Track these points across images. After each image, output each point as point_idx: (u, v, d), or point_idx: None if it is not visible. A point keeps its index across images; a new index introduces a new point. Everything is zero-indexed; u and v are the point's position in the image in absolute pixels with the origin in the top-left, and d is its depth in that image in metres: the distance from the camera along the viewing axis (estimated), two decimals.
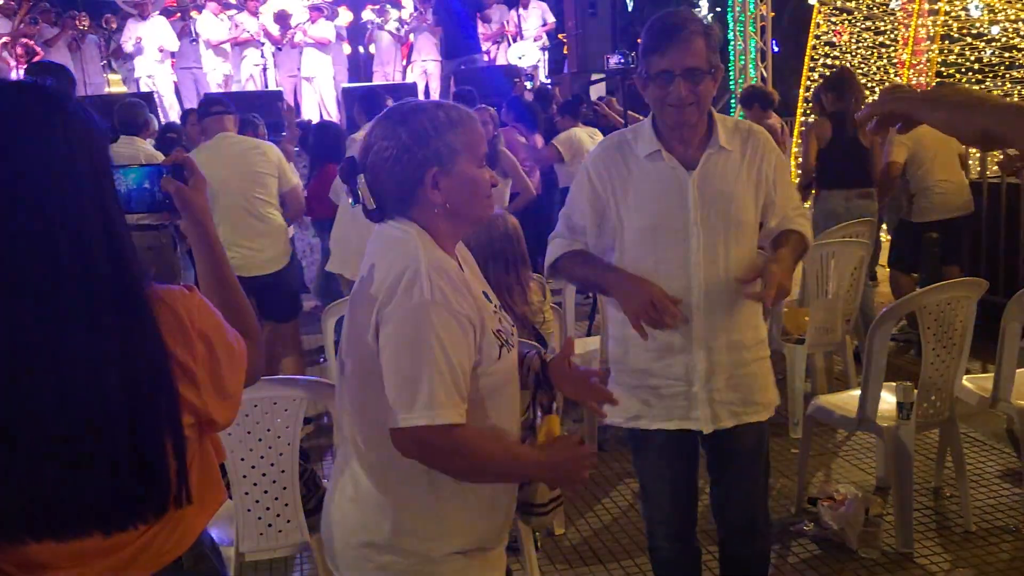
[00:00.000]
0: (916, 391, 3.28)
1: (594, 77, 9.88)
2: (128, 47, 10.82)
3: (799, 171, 5.73)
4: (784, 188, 2.35)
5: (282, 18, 11.83)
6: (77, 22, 11.06)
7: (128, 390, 1.20)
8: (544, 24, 11.39)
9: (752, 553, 2.54)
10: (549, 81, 10.65)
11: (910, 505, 3.35)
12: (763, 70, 11.00)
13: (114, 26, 11.85)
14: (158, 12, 11.08)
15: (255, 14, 11.44)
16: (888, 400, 3.36)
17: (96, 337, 1.18)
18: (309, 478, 2.88)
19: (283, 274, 4.79)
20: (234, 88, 11.01)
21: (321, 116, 10.40)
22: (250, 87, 11.20)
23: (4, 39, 10.16)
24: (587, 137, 6.70)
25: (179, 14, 11.58)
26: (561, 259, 2.38)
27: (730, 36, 11.35)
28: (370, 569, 1.67)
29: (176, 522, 1.35)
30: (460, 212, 1.66)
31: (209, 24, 11.00)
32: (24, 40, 10.46)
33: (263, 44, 11.35)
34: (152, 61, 10.77)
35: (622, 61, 7.46)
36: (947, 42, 9.72)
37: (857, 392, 3.44)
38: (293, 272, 4.98)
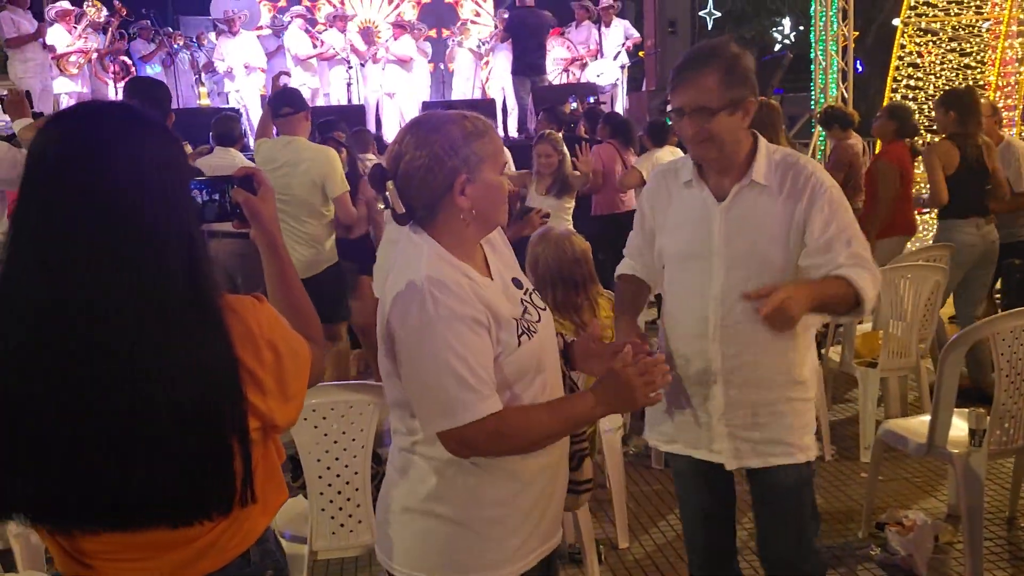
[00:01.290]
0: (988, 418, 3.23)
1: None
2: (220, 66, 11.27)
3: (926, 198, 5.37)
4: (836, 232, 2.17)
5: (367, 34, 12.21)
6: (173, 40, 11.58)
7: (200, 394, 1.27)
8: (626, 40, 11.44)
9: None
10: (602, 100, 10.64)
11: (980, 533, 3.28)
12: (844, 90, 10.85)
13: (204, 42, 12.36)
14: (248, 29, 11.53)
15: (343, 31, 11.82)
16: (960, 427, 3.32)
17: (172, 344, 1.26)
18: (381, 480, 2.99)
19: (316, 280, 4.74)
20: (320, 103, 11.38)
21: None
22: (335, 102, 11.57)
23: (98, 53, 10.66)
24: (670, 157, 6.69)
25: (271, 30, 12.04)
26: (621, 277, 2.53)
27: (812, 55, 11.23)
28: (408, 534, 1.80)
29: (241, 520, 1.42)
30: (484, 217, 1.77)
31: (296, 39, 11.40)
32: (120, 57, 10.99)
33: (349, 60, 11.70)
34: (240, 76, 11.20)
35: None
36: None
37: (928, 418, 3.40)
38: (330, 278, 4.96)
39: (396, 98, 11.53)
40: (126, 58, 11.11)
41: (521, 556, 1.81)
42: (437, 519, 1.77)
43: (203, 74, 11.99)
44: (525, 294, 1.86)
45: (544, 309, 1.89)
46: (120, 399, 1.24)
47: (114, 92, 10.65)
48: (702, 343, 2.25)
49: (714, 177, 2.26)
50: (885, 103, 10.26)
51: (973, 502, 3.25)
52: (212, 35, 12.03)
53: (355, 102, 11.64)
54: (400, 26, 11.78)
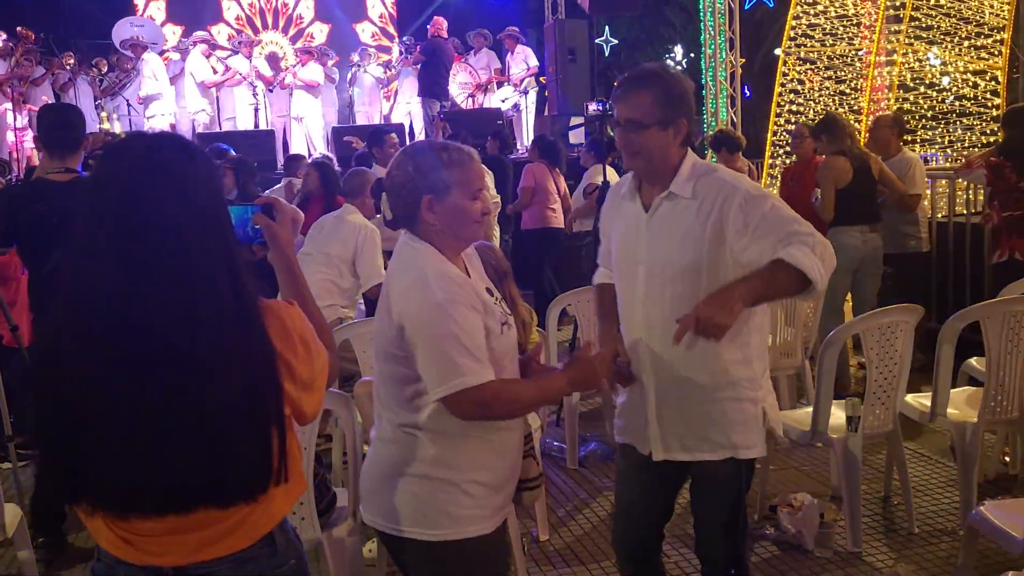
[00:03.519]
0: (862, 406, 3.67)
1: (573, 122, 10.35)
2: (149, 85, 11.11)
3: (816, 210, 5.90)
4: (759, 221, 2.25)
5: (273, 60, 12.29)
6: (63, 61, 11.37)
7: (247, 386, 1.46)
8: (528, 68, 11.91)
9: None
10: (506, 123, 11.17)
11: (859, 509, 3.72)
12: (733, 115, 11.54)
13: (104, 68, 12.21)
14: (152, 52, 11.46)
15: (248, 57, 11.89)
16: (838, 415, 3.74)
17: (220, 340, 1.45)
18: (320, 482, 3.21)
19: None
20: (225, 128, 11.41)
21: (310, 154, 10.79)
22: (241, 127, 11.61)
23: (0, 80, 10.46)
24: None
25: (177, 54, 12.00)
26: (599, 287, 2.73)
27: (702, 81, 11.91)
28: (400, 496, 2.08)
29: (268, 501, 1.57)
30: (453, 232, 2.11)
31: (199, 64, 11.39)
32: (21, 80, 10.79)
33: (255, 85, 11.77)
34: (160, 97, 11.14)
35: (600, 108, 7.90)
36: (903, 91, 10.32)
37: (811, 409, 3.82)
38: None
39: (304, 123, 11.66)
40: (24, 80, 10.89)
41: (496, 513, 2.16)
42: (433, 481, 2.07)
43: (103, 100, 11.85)
44: (496, 302, 2.19)
45: (510, 315, 2.22)
46: (182, 394, 1.43)
47: (12, 118, 10.45)
48: (635, 343, 2.44)
49: (647, 190, 2.43)
50: (770, 127, 11.00)
51: (851, 481, 3.67)
52: (116, 59, 11.92)
53: (262, 127, 11.71)
54: (307, 52, 11.94)
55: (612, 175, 7.11)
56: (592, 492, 4.47)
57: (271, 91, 11.90)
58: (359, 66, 12.55)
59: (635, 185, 2.47)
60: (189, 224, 1.46)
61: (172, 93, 11.37)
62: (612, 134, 2.61)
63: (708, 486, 2.50)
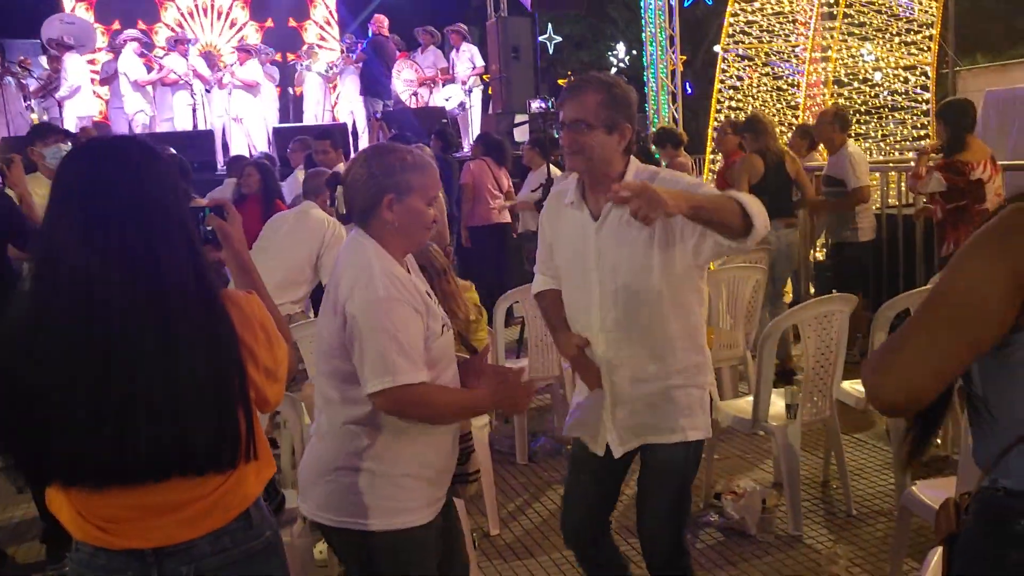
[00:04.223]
0: (800, 394, 3.80)
1: (517, 119, 10.42)
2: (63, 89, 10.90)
3: None
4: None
5: (210, 59, 12.13)
6: None
7: (213, 367, 1.57)
8: (474, 67, 11.94)
9: (660, 564, 2.69)
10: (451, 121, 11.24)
11: (799, 494, 3.85)
12: (675, 111, 11.73)
13: (29, 65, 11.91)
14: (74, 53, 11.20)
15: (184, 55, 11.71)
16: (779, 404, 3.87)
17: (186, 324, 1.55)
18: (269, 483, 3.22)
19: None
20: (163, 128, 11.24)
21: (251, 154, 10.68)
22: (179, 127, 11.44)
23: None
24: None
25: (111, 53, 11.76)
26: (539, 295, 2.80)
27: (645, 79, 12.08)
28: (336, 488, 2.15)
29: (240, 481, 1.68)
30: (406, 232, 2.20)
31: (132, 64, 11.17)
32: None
33: (192, 85, 11.60)
34: (76, 100, 10.88)
35: (543, 106, 7.98)
36: (837, 86, 10.61)
37: (752, 398, 3.94)
38: None
39: (244, 123, 11.54)
40: None
41: (429, 506, 2.24)
42: (368, 474, 2.15)
43: (34, 100, 11.56)
44: (435, 303, 2.27)
45: (447, 319, 2.31)
46: (150, 376, 1.52)
47: None
48: (591, 347, 2.54)
49: (593, 197, 2.52)
50: (711, 123, 11.21)
51: (791, 467, 3.80)
52: (44, 59, 11.64)
53: (201, 127, 11.56)
54: (245, 50, 11.79)
55: (556, 173, 7.23)
56: (541, 487, 4.54)
57: (209, 91, 11.74)
58: (303, 66, 12.46)
59: (580, 193, 2.55)
60: (151, 216, 1.56)
61: (90, 93, 11.08)
62: (557, 135, 2.67)
63: (658, 469, 2.60)
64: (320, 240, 4.84)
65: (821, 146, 6.72)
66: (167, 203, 1.59)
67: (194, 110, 11.58)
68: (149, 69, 11.43)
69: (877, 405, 1.47)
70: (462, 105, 12.00)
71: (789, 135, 7.75)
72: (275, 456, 3.79)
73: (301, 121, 12.34)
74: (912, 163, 5.75)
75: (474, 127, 11.93)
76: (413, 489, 2.19)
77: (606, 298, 2.49)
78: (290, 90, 12.82)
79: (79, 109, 10.82)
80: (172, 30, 13.28)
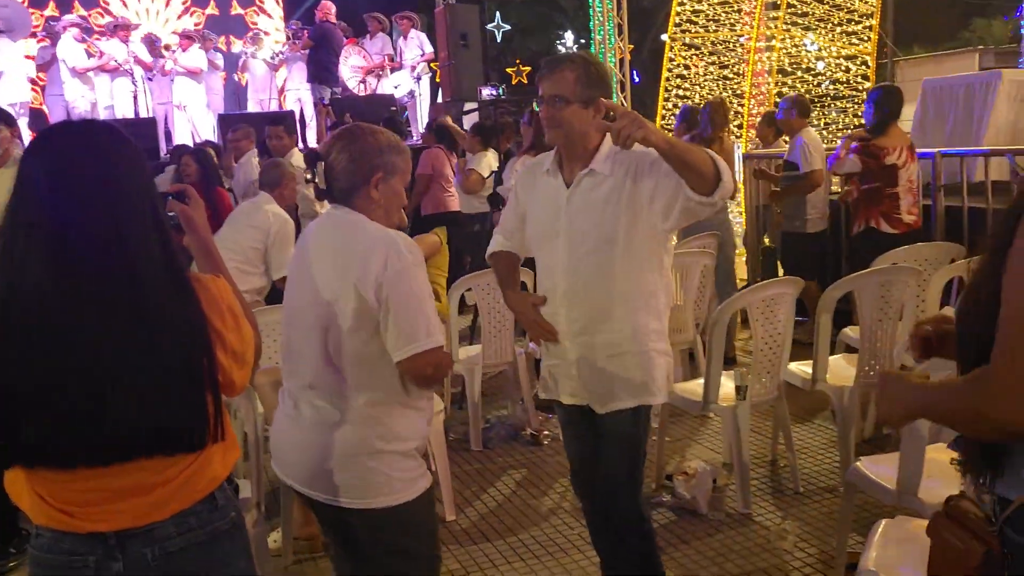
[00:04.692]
0: (750, 376, 3.89)
1: (467, 107, 10.41)
2: None
3: None
4: (669, 168, 2.42)
5: (151, 44, 11.86)
6: None
7: (181, 348, 1.58)
8: (423, 54, 11.88)
9: (615, 523, 2.79)
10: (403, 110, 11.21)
11: (748, 473, 3.94)
12: (623, 100, 11.81)
13: None
14: (11, 38, 10.87)
15: (125, 41, 11.44)
16: (728, 385, 3.96)
17: (157, 310, 1.56)
18: None
19: None
20: (103, 115, 10.98)
21: (194, 142, 10.51)
22: (120, 115, 11.19)
23: None
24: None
25: (47, 39, 11.44)
26: (493, 255, 2.93)
27: None
28: (362, 471, 2.19)
29: (206, 463, 1.68)
30: (386, 211, 2.28)
31: (71, 50, 10.89)
32: None
33: (133, 72, 11.35)
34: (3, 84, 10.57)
35: (494, 93, 7.97)
36: (782, 75, 10.80)
37: (703, 380, 4.02)
38: None
39: (187, 110, 11.33)
40: None
41: (426, 471, 2.34)
42: (389, 454, 2.21)
43: None
44: None
45: None
46: (121, 356, 1.53)
47: None
48: (555, 308, 2.67)
49: (568, 167, 2.64)
50: (659, 111, 11.32)
51: (741, 447, 3.89)
52: None
53: (143, 115, 11.33)
54: (188, 37, 11.56)
55: (492, 161, 7.24)
56: (496, 472, 4.58)
57: (151, 78, 11.50)
58: (248, 53, 12.26)
59: (557, 163, 2.68)
60: (119, 198, 1.57)
61: (22, 79, 10.75)
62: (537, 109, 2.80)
63: (616, 434, 2.69)
64: (265, 233, 4.77)
65: None
66: (136, 186, 1.60)
67: (135, 97, 11.34)
68: (89, 55, 11.15)
69: (1005, 429, 1.37)
70: (411, 93, 11.94)
71: (736, 123, 7.88)
72: None
73: (246, 109, 12.15)
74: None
75: (423, 115, 11.88)
76: (417, 458, 2.29)
77: (573, 263, 2.60)
78: (235, 77, 12.61)
79: (8, 95, 10.51)
80: (112, 15, 12.96)
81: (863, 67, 10.80)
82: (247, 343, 1.73)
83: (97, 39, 11.69)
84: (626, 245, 2.55)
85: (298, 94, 12.15)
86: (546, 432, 4.95)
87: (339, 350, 2.16)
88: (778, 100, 10.62)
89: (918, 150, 5.60)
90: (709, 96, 10.88)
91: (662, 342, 2.68)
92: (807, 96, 10.40)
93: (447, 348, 3.92)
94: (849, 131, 10.19)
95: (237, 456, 1.79)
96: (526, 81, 14.71)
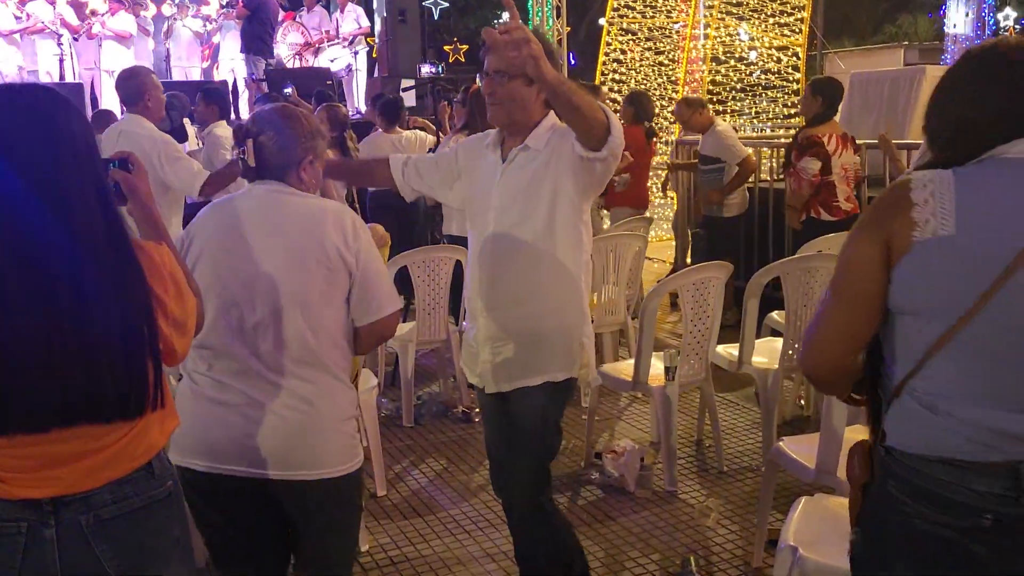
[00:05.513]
0: (679, 357, 3.96)
1: (404, 84, 10.28)
2: None
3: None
4: None
5: (78, 6, 11.42)
6: None
7: (124, 314, 1.56)
8: (360, 27, 11.68)
9: (515, 514, 2.76)
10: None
11: (674, 452, 4.03)
12: None
13: None
14: None
15: (52, 3, 11.00)
16: (658, 366, 4.02)
17: (98, 275, 1.54)
18: None
19: None
20: (29, 80, 10.55)
21: (122, 110, 10.16)
22: (45, 78, 10.77)
23: None
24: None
25: None
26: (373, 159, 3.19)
27: None
28: (348, 435, 2.27)
29: (144, 431, 1.66)
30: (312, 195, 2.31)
31: None
32: None
33: (60, 34, 10.93)
34: None
35: (433, 70, 7.88)
36: (715, 63, 10.96)
37: (633, 361, 4.08)
38: None
39: (115, 76, 10.95)
40: None
41: None
42: (351, 421, 2.29)
43: None
44: None
45: None
46: (62, 323, 1.52)
47: None
48: (474, 276, 2.66)
49: (508, 143, 2.59)
50: None
51: (668, 426, 3.97)
52: None
53: (69, 79, 10.91)
54: (118, 1, 11.17)
55: (414, 138, 7.10)
56: (428, 448, 4.58)
57: (77, 40, 11.08)
58: (175, 18, 11.88)
59: (499, 139, 2.64)
60: (59, 162, 1.54)
61: None
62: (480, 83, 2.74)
63: (522, 411, 2.63)
64: (155, 157, 4.36)
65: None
66: (76, 147, 1.57)
67: (61, 61, 10.93)
68: (17, 19, 10.69)
69: (810, 379, 1.65)
70: (348, 68, 11.75)
71: (671, 108, 7.97)
72: None
73: (171, 77, 11.79)
74: (782, 140, 6.02)
75: (359, 91, 11.71)
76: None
77: (493, 239, 2.59)
78: (163, 43, 12.23)
79: None
80: None
81: (794, 58, 11.01)
82: (189, 312, 1.71)
83: (24, 0, 11.22)
84: (547, 221, 2.52)
85: (232, 64, 11.85)
86: (477, 410, 4.97)
87: (313, 322, 2.16)
88: (710, 88, 10.81)
89: None
90: (644, 82, 10.98)
91: (581, 321, 2.63)
92: (739, 84, 10.58)
93: None
94: (778, 120, 10.43)
95: (176, 424, 1.78)
96: (463, 60, 14.60)
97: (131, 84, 4.53)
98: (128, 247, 1.61)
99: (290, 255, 2.15)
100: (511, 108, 2.51)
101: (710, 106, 8.13)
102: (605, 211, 6.97)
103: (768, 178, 7.12)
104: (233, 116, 9.65)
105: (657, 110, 8.69)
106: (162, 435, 1.72)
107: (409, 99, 10.11)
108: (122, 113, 8.30)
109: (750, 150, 6.41)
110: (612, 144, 2.33)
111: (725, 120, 9.93)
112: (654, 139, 7.06)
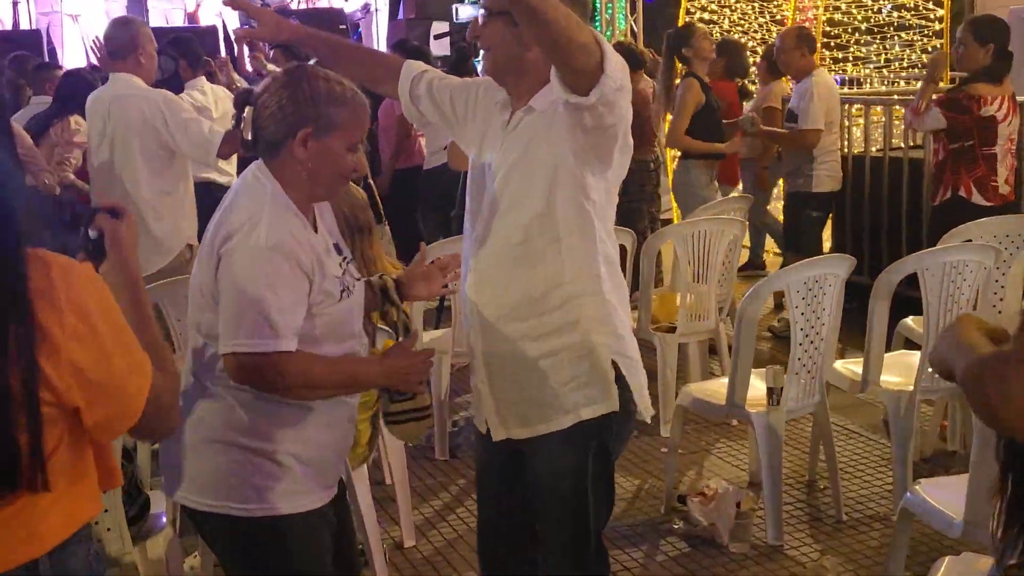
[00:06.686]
0: (785, 376, 3.94)
1: (436, 30, 10.29)
2: None
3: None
4: None
5: None
6: None
7: None
8: None
9: None
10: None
11: (779, 495, 4.01)
12: (633, 23, 11.79)
13: None
14: None
15: None
16: (759, 387, 4.01)
17: None
18: (129, 482, 3.21)
19: None
20: None
21: (88, 62, 10.40)
22: None
23: None
24: None
25: None
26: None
27: None
28: (212, 466, 2.28)
29: (25, 517, 1.51)
30: (315, 178, 2.29)
31: None
32: None
33: None
34: None
35: (475, 14, 7.82)
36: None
37: (727, 380, 4.07)
38: None
39: (81, 22, 11.22)
40: None
41: (319, 491, 2.37)
42: (243, 450, 2.26)
43: None
44: (344, 261, 2.38)
45: (359, 279, 2.43)
46: None
47: None
48: (464, 275, 2.61)
49: (514, 104, 2.52)
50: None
51: (772, 462, 3.95)
52: None
53: (24, 26, 11.20)
54: None
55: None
56: (465, 488, 4.61)
57: None
58: None
59: (508, 99, 2.56)
60: None
61: None
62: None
63: (543, 470, 2.58)
64: (160, 120, 4.57)
65: None
66: None
67: (15, 4, 11.22)
68: None
69: (997, 423, 1.52)
70: (366, 7, 11.86)
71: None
72: (135, 450, 3.79)
73: (149, 21, 12.02)
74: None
75: (379, 36, 11.82)
76: (297, 471, 2.30)
77: (485, 223, 2.53)
78: None
79: None
80: None
81: None
82: (117, 375, 1.56)
83: None
84: (546, 202, 2.44)
85: (217, 7, 12.04)
86: None
87: (200, 319, 2.29)
88: (826, 29, 10.68)
89: None
90: (742, 21, 10.88)
91: (609, 333, 2.52)
92: (864, 25, 10.39)
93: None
94: (915, 69, 10.26)
95: (97, 512, 1.66)
96: None
97: (123, 34, 4.62)
98: (11, 252, 1.48)
99: (204, 246, 2.29)
100: (496, 56, 2.47)
101: (826, 52, 8.01)
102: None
103: (903, 144, 7.01)
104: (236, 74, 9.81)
105: (755, 60, 8.58)
106: (64, 527, 1.57)
107: (440, 48, 10.16)
108: (87, 65, 8.47)
109: (822, 126, 6.13)
110: (605, 86, 2.20)
111: (846, 70, 9.79)
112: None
